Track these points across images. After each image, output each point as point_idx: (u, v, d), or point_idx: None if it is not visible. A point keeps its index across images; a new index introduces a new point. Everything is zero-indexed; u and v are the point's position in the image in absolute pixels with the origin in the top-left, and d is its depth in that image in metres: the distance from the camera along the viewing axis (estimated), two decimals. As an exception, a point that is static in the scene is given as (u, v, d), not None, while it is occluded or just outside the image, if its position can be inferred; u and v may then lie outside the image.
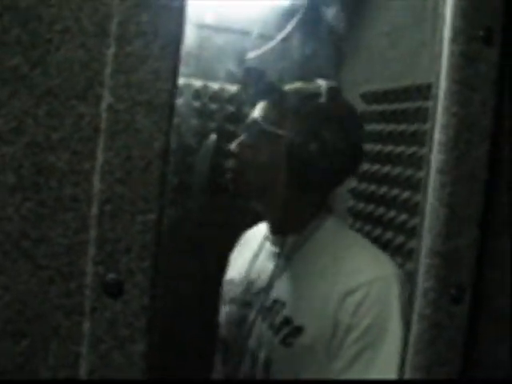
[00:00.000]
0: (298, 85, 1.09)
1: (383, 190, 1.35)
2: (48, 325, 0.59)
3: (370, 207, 1.40)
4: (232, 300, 1.18)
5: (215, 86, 1.52)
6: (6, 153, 0.56)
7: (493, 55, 0.70)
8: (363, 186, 1.46)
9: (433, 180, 0.71)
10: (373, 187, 1.40)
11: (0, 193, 0.57)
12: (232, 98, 1.53)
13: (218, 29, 1.47)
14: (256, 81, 1.12)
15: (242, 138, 1.09)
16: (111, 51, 0.57)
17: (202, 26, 1.39)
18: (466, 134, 0.69)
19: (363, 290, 0.92)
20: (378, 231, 1.35)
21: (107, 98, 0.57)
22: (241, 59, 1.42)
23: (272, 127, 1.03)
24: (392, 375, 0.85)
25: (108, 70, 0.57)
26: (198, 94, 1.49)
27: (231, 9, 1.50)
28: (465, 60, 0.68)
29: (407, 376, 0.72)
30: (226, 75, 1.49)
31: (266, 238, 1.15)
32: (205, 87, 1.52)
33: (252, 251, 1.19)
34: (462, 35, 0.69)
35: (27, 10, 0.56)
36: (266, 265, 1.12)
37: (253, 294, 1.12)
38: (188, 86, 1.40)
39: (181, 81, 1.39)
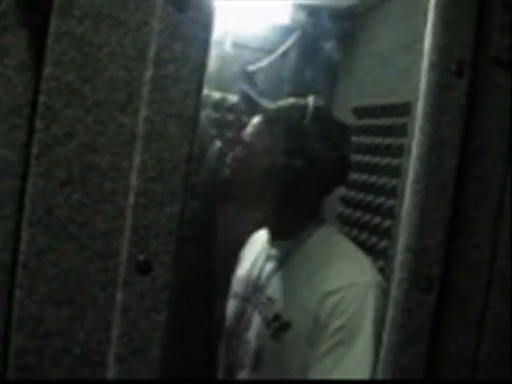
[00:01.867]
0: (284, 103, 1.20)
1: (370, 197, 1.47)
2: (86, 296, 0.71)
3: (358, 213, 1.52)
4: (235, 295, 1.30)
5: (217, 95, 1.63)
6: (59, 152, 0.69)
7: (463, 85, 0.83)
8: (351, 194, 1.58)
9: (408, 187, 0.84)
10: (361, 195, 1.52)
11: (52, 185, 0.69)
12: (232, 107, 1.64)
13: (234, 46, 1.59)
14: (246, 102, 1.24)
15: (236, 151, 1.20)
16: (149, 73, 0.70)
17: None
18: (437, 150, 0.83)
19: (342, 292, 1.03)
20: (363, 236, 1.47)
21: (145, 111, 0.70)
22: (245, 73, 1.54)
23: (261, 144, 1.15)
24: (360, 371, 0.95)
25: (146, 88, 0.70)
26: (217, 105, 1.60)
27: (241, 27, 1.62)
28: (438, 88, 0.82)
29: (383, 354, 0.84)
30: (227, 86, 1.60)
31: (267, 241, 1.27)
32: (207, 97, 1.63)
33: (256, 252, 1.31)
34: (437, 67, 0.82)
35: (81, 36, 0.69)
36: (264, 265, 1.24)
37: (251, 291, 1.24)
38: (208, 97, 1.51)
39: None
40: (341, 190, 1.60)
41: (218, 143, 1.23)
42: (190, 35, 0.70)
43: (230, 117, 1.59)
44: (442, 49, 0.83)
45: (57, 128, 0.69)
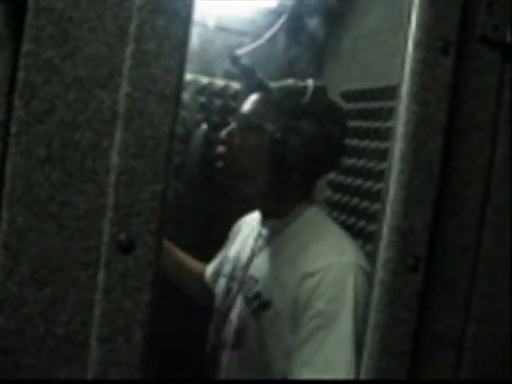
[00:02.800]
0: (285, 82, 1.20)
1: (358, 182, 1.47)
2: (68, 276, 0.70)
3: (346, 198, 1.53)
4: (224, 274, 1.30)
5: (220, 82, 1.62)
6: (39, 130, 0.68)
7: (449, 63, 0.82)
8: (340, 178, 1.58)
9: (394, 167, 0.83)
10: (349, 180, 1.52)
11: (32, 163, 0.68)
12: (235, 94, 1.63)
13: (217, 29, 1.58)
14: (247, 77, 1.24)
15: (231, 126, 1.20)
16: (130, 48, 0.68)
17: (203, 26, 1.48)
18: (423, 129, 0.82)
19: (320, 274, 1.02)
20: (352, 220, 1.48)
21: (125, 88, 0.69)
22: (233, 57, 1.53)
23: (258, 120, 1.15)
24: (342, 355, 0.95)
25: (127, 65, 0.68)
26: (203, 90, 1.60)
27: (228, 10, 1.61)
28: (424, 66, 0.81)
29: (368, 333, 0.84)
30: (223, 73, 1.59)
31: (259, 221, 1.27)
32: (195, 81, 1.62)
33: (247, 232, 1.31)
34: (422, 45, 0.81)
35: (60, 12, 0.67)
36: (253, 244, 1.24)
37: (237, 269, 1.24)
38: (195, 81, 1.50)
39: (188, 77, 1.50)
40: (329, 175, 1.60)
41: (204, 125, 1.22)
42: (172, 10, 0.69)
43: (218, 101, 1.59)
44: (428, 26, 0.82)
45: (36, 105, 0.67)
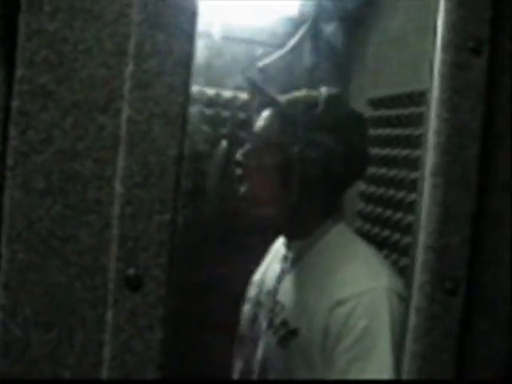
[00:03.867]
0: (296, 94, 1.13)
1: (391, 192, 1.39)
2: (74, 316, 0.65)
3: (379, 209, 1.45)
4: (249, 299, 1.24)
5: (227, 94, 1.57)
6: (37, 161, 0.63)
7: (481, 64, 0.75)
8: (371, 189, 1.51)
9: (427, 181, 0.76)
10: (381, 190, 1.45)
11: (31, 197, 0.63)
12: (244, 106, 1.58)
13: (227, 39, 1.53)
14: (257, 92, 1.18)
15: (246, 147, 1.14)
16: (129, 69, 0.63)
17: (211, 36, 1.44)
18: (457, 138, 0.74)
19: (353, 301, 0.95)
20: (386, 233, 1.40)
21: (127, 111, 0.63)
22: (249, 68, 1.48)
23: (271, 137, 1.08)
24: None
25: (127, 86, 0.63)
26: (211, 102, 1.55)
27: (239, 19, 1.56)
28: (455, 69, 0.74)
29: (406, 363, 0.77)
30: (238, 83, 1.54)
31: (283, 243, 1.20)
32: (217, 95, 1.57)
33: (272, 255, 1.25)
34: (452, 46, 0.74)
35: (54, 33, 0.63)
36: (277, 267, 1.18)
37: (263, 295, 1.18)
38: (201, 93, 1.45)
39: (194, 89, 1.45)
40: (360, 186, 1.53)
41: (224, 143, 1.17)
42: (173, 24, 0.64)
43: (225, 113, 1.53)
44: (458, 25, 0.75)
45: (32, 134, 0.63)
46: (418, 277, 0.76)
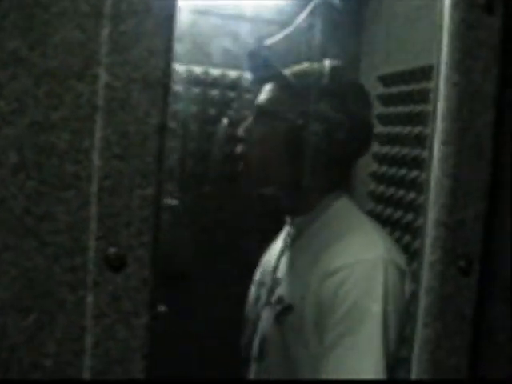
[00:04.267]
0: (301, 67, 1.09)
1: (403, 171, 1.33)
2: (54, 300, 0.60)
3: (391, 190, 1.39)
4: (254, 281, 1.20)
5: (216, 72, 1.50)
6: (8, 133, 0.58)
7: (494, 23, 0.68)
8: (383, 168, 1.44)
9: (437, 152, 0.70)
10: (393, 170, 1.39)
11: (3, 172, 0.59)
12: (233, 84, 1.52)
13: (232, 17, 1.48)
14: (259, 65, 1.13)
15: (248, 121, 1.09)
16: (106, 31, 0.58)
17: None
18: (469, 104, 0.68)
19: (344, 272, 0.89)
20: (398, 214, 1.34)
21: (103, 77, 0.58)
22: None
23: (276, 109, 1.04)
24: (370, 364, 0.82)
25: (103, 50, 0.58)
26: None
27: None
28: (465, 28, 0.67)
29: (416, 349, 0.71)
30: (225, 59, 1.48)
31: (287, 220, 1.15)
32: (205, 73, 1.50)
33: (278, 235, 1.20)
34: (462, 3, 0.67)
35: (24, -5, 0.58)
36: (280, 245, 1.13)
37: (266, 274, 1.14)
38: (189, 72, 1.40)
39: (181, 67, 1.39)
40: (371, 166, 1.47)
41: (224, 121, 1.12)
42: (152, -19, 0.58)
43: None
44: (468, -19, 0.68)
45: (3, 105, 0.58)
46: (429, 255, 0.70)
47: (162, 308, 1.19)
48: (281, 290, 1.02)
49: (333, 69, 1.02)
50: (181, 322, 1.27)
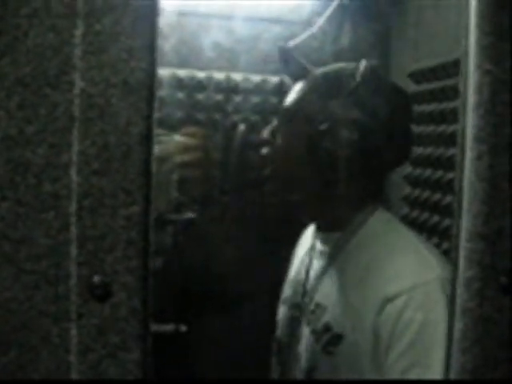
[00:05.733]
0: (332, 67, 1.01)
1: (439, 173, 1.25)
2: (36, 333, 0.54)
3: (427, 193, 1.30)
4: (284, 300, 1.13)
5: (201, 74, 1.44)
6: (-20, 150, 0.53)
7: (531, -1, 0.59)
8: (418, 171, 1.36)
9: (469, 150, 0.61)
10: (428, 172, 1.30)
11: (-23, 194, 0.53)
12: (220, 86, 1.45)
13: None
14: (290, 64, 1.06)
15: (274, 124, 1.02)
16: (79, 31, 0.52)
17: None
18: (504, 95, 0.59)
19: (403, 297, 0.82)
20: (435, 218, 1.26)
21: (79, 83, 0.52)
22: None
23: (304, 111, 0.96)
24: None
25: (77, 52, 0.52)
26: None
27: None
28: (495, 7, 0.58)
29: (452, 377, 0.62)
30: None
31: (314, 236, 1.07)
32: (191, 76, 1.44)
33: (305, 249, 1.12)
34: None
35: (-9, -4, 0.52)
36: (312, 264, 1.05)
37: (301, 295, 1.06)
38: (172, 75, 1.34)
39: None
40: (405, 168, 1.38)
41: (242, 126, 1.05)
42: (129, -27, 0.52)
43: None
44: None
45: (-28, 119, 0.52)
46: (464, 271, 0.61)
47: (182, 328, 1.13)
48: (327, 317, 0.93)
49: (366, 70, 0.93)
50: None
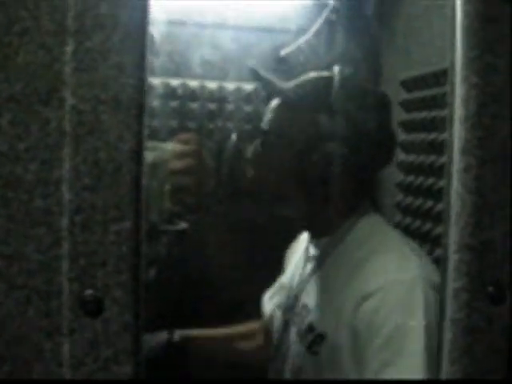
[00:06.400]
0: (305, 77, 1.00)
1: (430, 181, 1.26)
2: (29, 347, 0.55)
3: (419, 200, 1.31)
4: (279, 305, 1.13)
5: (194, 83, 1.44)
6: (-29, 167, 0.53)
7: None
8: (410, 178, 1.37)
9: (456, 163, 0.61)
10: (420, 179, 1.31)
11: (-32, 210, 0.53)
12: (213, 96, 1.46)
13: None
14: (261, 82, 1.06)
15: (256, 144, 1.02)
16: (70, 48, 0.52)
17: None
18: (491, 107, 0.60)
19: (379, 295, 0.82)
20: (428, 226, 1.26)
21: (69, 99, 0.52)
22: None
23: (281, 130, 0.96)
24: None
25: (68, 69, 0.52)
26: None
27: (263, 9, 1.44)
28: (481, 20, 0.59)
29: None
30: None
31: (308, 241, 1.08)
32: (183, 85, 1.44)
33: (299, 254, 1.13)
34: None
35: (-18, 14, 0.53)
36: (304, 269, 1.06)
37: (291, 299, 1.07)
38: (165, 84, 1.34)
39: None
40: (397, 176, 1.39)
41: (233, 136, 1.05)
42: (119, -9, 0.52)
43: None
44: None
45: (-36, 136, 0.53)
46: (452, 282, 0.62)
47: (176, 337, 1.13)
48: (311, 318, 0.94)
49: (342, 78, 0.94)
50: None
